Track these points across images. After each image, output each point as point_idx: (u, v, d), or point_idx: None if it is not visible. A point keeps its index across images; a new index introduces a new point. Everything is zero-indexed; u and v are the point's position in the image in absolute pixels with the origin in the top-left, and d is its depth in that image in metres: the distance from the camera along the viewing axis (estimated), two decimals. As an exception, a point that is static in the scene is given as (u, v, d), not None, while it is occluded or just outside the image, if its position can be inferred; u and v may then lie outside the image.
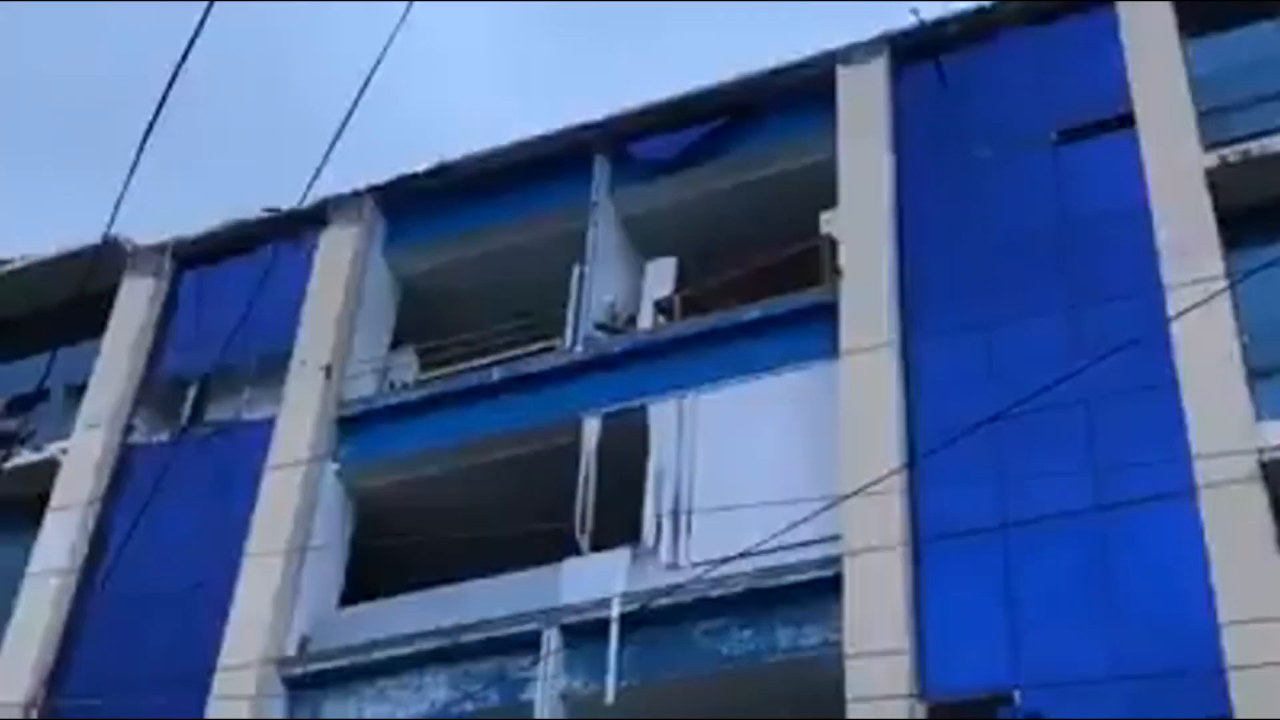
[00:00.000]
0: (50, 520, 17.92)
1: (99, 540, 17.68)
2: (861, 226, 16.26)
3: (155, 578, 16.75)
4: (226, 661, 15.81)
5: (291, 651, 16.19)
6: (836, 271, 16.18)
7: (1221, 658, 12.02)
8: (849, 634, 13.70)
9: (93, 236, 18.84)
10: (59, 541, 17.63)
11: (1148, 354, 13.24)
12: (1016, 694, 12.68)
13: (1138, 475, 13.12)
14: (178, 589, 16.67)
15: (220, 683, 15.67)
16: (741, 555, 13.96)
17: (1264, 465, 12.80)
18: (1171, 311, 13.35)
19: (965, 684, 13.03)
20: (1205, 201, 14.73)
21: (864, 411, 14.84)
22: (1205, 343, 13.59)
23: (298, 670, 16.05)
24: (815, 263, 16.78)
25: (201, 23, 7.68)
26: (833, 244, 16.63)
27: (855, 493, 13.12)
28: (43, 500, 18.10)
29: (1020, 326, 14.67)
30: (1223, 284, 13.20)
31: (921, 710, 13.09)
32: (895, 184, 16.37)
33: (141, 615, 16.68)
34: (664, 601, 14.76)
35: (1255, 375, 13.66)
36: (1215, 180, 14.86)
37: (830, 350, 15.54)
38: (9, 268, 20.49)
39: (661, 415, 16.26)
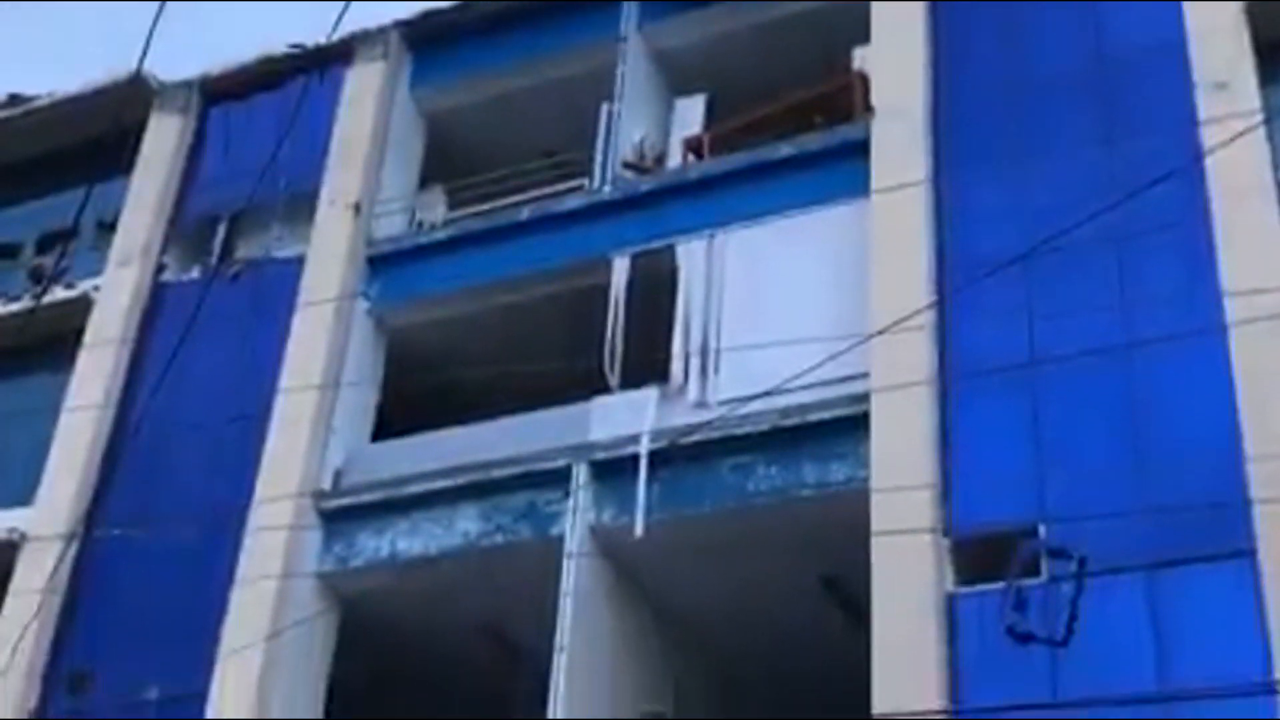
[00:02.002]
0: (85, 356, 18.11)
1: (133, 376, 17.88)
2: (894, 63, 16.03)
3: (190, 413, 16.98)
4: (262, 494, 16.09)
5: (326, 485, 16.44)
6: (868, 109, 16.01)
7: (1246, 492, 12.10)
8: (875, 470, 13.80)
9: (118, 73, 18.78)
10: (94, 377, 17.84)
11: (1181, 189, 13.11)
12: (1041, 528, 12.79)
13: (1168, 312, 13.12)
14: (212, 424, 16.91)
15: (256, 515, 15.96)
16: (768, 393, 14.11)
17: (1295, 302, 12.72)
18: (1206, 146, 13.18)
19: (991, 518, 13.15)
20: (1243, 35, 14.47)
21: (894, 249, 14.77)
22: (1240, 178, 13.43)
23: (332, 503, 16.30)
24: (847, 100, 16.61)
25: None
26: (865, 81, 16.44)
27: (884, 330, 13.16)
28: (77, 337, 18.28)
29: (1054, 163, 14.51)
30: (1259, 118, 13.02)
31: (946, 544, 13.23)
32: (929, 19, 16.08)
33: (177, 450, 16.92)
34: (691, 438, 14.90)
35: (1290, 211, 13.53)
36: (1254, 13, 14.57)
37: (861, 188, 15.42)
38: (36, 104, 20.44)
39: (690, 254, 16.24)
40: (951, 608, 12.93)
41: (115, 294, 18.55)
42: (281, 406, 16.67)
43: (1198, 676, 11.51)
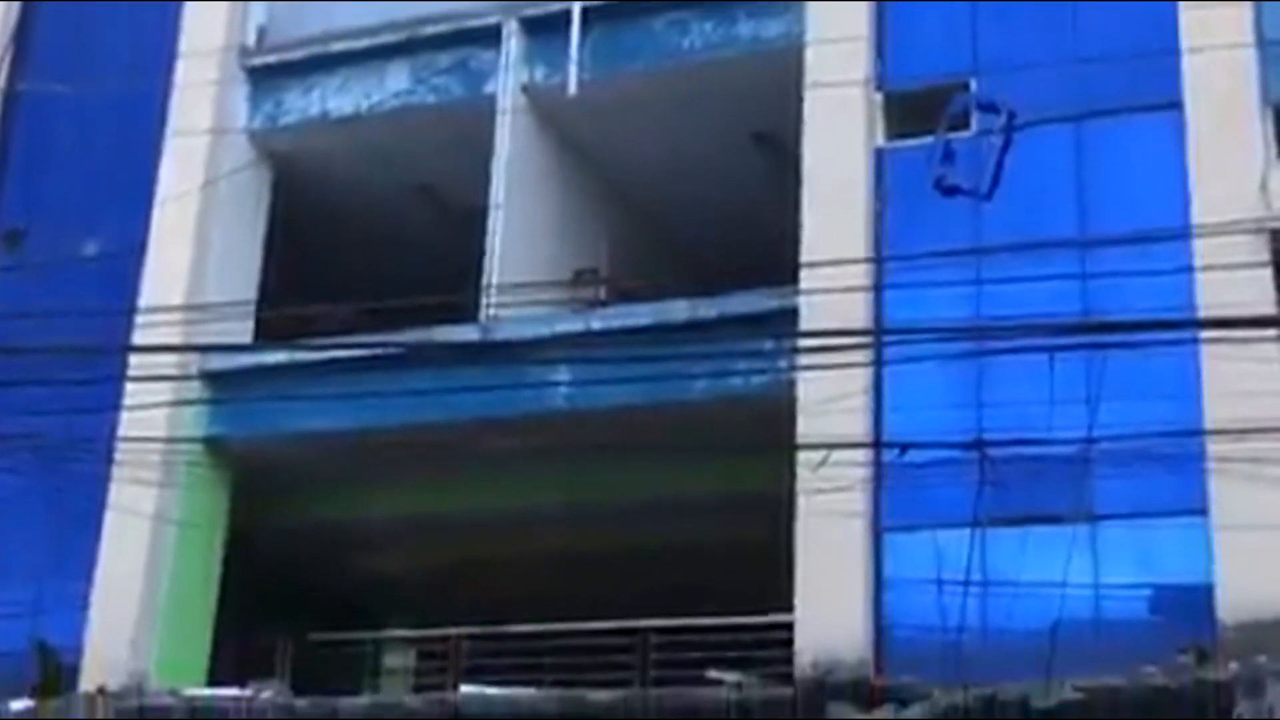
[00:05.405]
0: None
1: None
2: None
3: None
4: (186, 48, 15.76)
5: (250, 42, 16.09)
6: None
7: (1179, 41, 12.11)
8: (810, 24, 13.71)
9: None
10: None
11: None
12: (973, 81, 12.83)
13: None
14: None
15: (182, 70, 15.67)
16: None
17: None
18: None
19: (923, 72, 13.18)
20: None
21: None
22: None
23: (257, 60, 16.02)
24: None
25: None
26: None
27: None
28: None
29: None
30: None
31: (879, 99, 13.30)
32: None
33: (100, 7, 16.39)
34: (624, -8, 14.67)
35: None
36: None
37: None
38: None
39: None
40: (880, 161, 13.10)
41: None
42: (198, -39, 16.14)
43: (1118, 224, 11.80)
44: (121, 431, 13.86)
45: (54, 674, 13.84)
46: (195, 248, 15.05)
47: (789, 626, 11.94)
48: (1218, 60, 11.84)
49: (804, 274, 12.69)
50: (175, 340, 14.12)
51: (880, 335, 12.25)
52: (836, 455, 11.72)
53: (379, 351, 13.72)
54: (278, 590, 15.64)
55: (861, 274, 12.44)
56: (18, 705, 13.58)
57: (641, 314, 13.71)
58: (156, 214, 15.16)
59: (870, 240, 12.80)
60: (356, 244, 16.85)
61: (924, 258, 12.06)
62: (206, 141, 15.33)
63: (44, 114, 16.15)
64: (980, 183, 12.26)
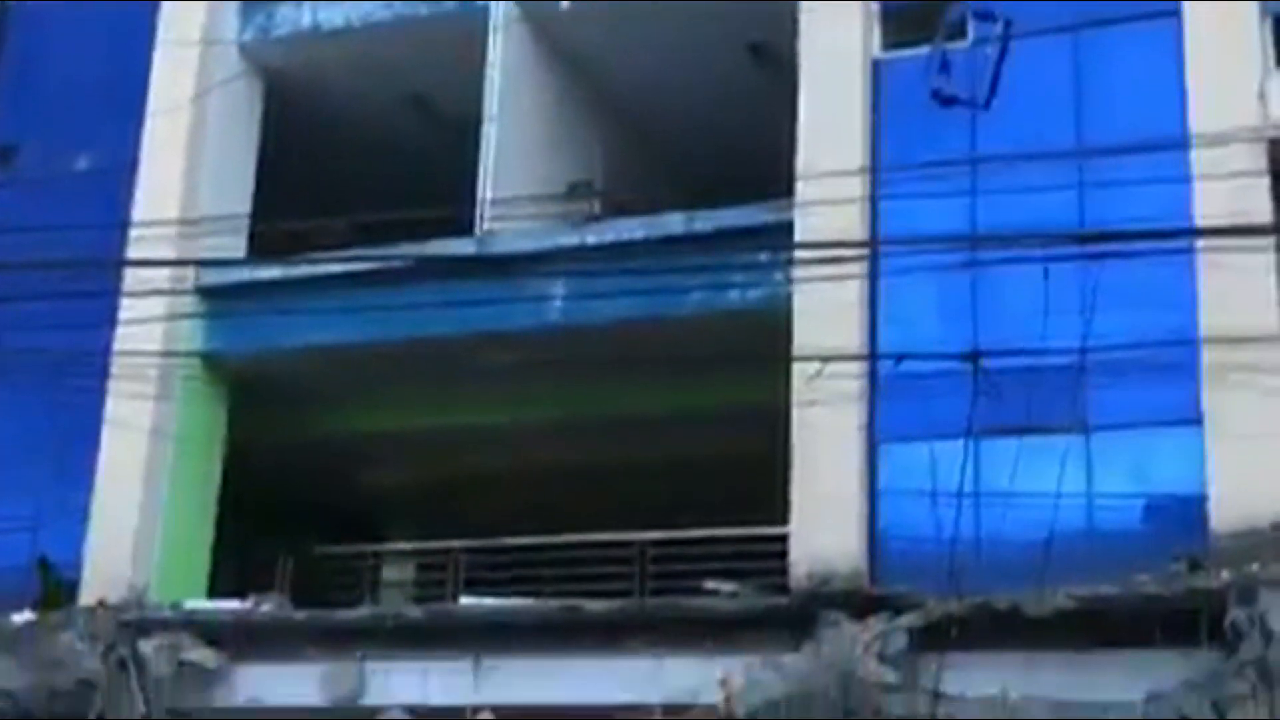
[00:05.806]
0: None
1: None
2: None
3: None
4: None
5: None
6: None
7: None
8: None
9: None
10: None
11: None
12: (970, -11, 12.71)
13: None
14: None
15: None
16: None
17: None
18: None
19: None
20: None
21: None
22: None
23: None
24: None
25: None
26: None
27: None
28: None
29: None
30: None
31: (875, 9, 13.24)
32: None
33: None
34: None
35: None
36: None
37: None
38: None
39: None
40: (878, 72, 13.01)
41: None
42: None
43: (1116, 134, 11.73)
44: (117, 346, 13.88)
45: (54, 588, 13.95)
46: (188, 161, 14.95)
47: (784, 538, 12.01)
48: (1217, -33, 11.76)
49: (800, 186, 12.66)
50: (169, 255, 14.08)
51: (876, 247, 12.22)
52: (832, 367, 11.78)
53: (374, 266, 13.73)
54: (277, 505, 15.73)
55: (857, 186, 12.42)
56: (19, 619, 13.70)
57: (636, 228, 13.67)
58: (148, 128, 15.08)
59: (866, 151, 12.73)
60: (349, 156, 16.76)
61: (920, 168, 12.03)
62: (198, 54, 15.22)
63: (34, 28, 16.01)
64: (978, 93, 12.25)
